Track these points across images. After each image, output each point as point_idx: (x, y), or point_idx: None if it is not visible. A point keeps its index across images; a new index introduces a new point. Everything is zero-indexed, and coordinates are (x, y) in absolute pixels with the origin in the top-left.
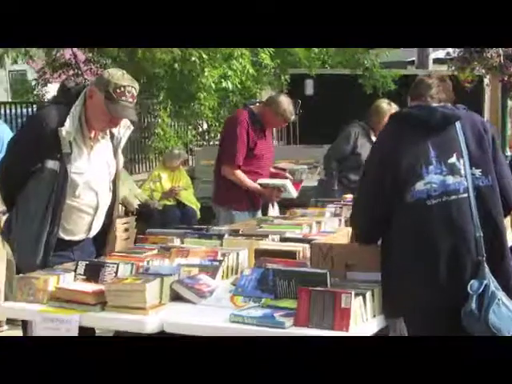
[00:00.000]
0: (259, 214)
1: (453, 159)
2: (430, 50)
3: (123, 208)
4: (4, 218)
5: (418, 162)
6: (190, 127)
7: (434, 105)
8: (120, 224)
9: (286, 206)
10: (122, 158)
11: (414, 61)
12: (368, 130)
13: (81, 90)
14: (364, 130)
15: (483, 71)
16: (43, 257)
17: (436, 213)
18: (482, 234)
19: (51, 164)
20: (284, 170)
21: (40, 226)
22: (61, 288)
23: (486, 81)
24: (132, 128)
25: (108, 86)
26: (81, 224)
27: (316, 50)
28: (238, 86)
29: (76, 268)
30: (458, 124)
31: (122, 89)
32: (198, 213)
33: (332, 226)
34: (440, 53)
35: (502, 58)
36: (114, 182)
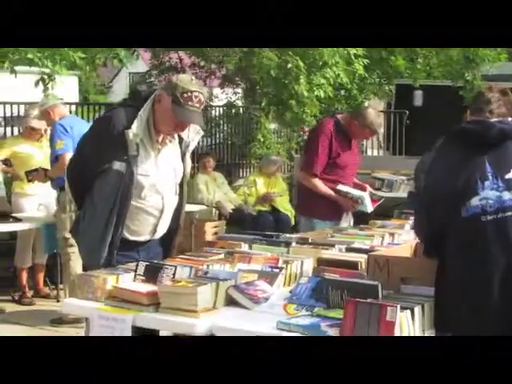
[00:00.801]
0: (343, 224)
1: (510, 175)
2: None
3: (217, 212)
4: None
5: (473, 178)
6: (295, 134)
7: (493, 119)
8: (210, 228)
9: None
10: (189, 163)
11: None
12: None
13: (150, 93)
14: None
15: None
16: (107, 256)
17: (491, 229)
18: None
19: (118, 165)
20: (382, 180)
21: (105, 227)
22: (117, 287)
23: None
24: (202, 133)
25: (175, 90)
26: (146, 225)
27: (421, 60)
28: (330, 94)
29: (136, 268)
30: None
31: (189, 94)
32: (293, 219)
33: (406, 239)
34: None
35: None
36: (182, 186)
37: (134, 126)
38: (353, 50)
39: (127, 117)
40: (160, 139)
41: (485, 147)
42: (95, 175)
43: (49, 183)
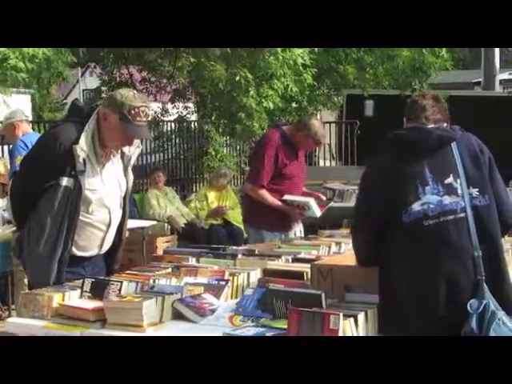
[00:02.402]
0: (291, 235)
1: (449, 179)
2: (497, 70)
3: (169, 227)
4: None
5: (413, 183)
6: (247, 147)
7: (430, 126)
8: (161, 243)
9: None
10: (131, 176)
11: (480, 82)
12: None
13: (93, 109)
14: None
15: None
16: (57, 274)
17: (433, 233)
18: (480, 254)
19: (65, 181)
20: (334, 190)
21: (54, 243)
22: (64, 305)
23: None
24: (141, 147)
25: (122, 108)
26: (93, 240)
27: (370, 70)
28: (280, 105)
29: (82, 285)
30: (453, 145)
31: (137, 110)
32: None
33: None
34: (506, 74)
35: None
36: (125, 199)
37: (82, 141)
38: (301, 60)
39: (73, 132)
40: (104, 154)
41: (423, 153)
42: (41, 193)
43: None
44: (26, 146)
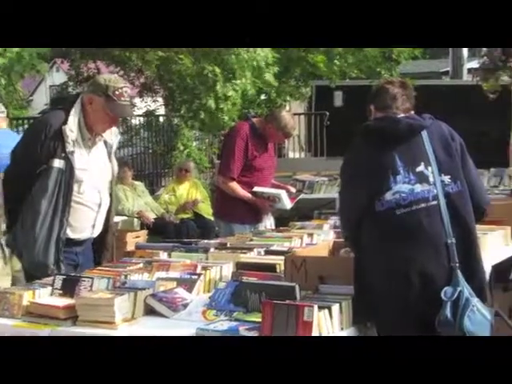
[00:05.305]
0: (261, 227)
1: (420, 168)
2: (465, 60)
3: (139, 222)
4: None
5: (385, 173)
6: (216, 140)
7: (400, 115)
8: (131, 238)
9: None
10: (115, 163)
11: (448, 71)
12: None
13: (76, 97)
14: None
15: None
16: (55, 256)
17: (406, 222)
18: (453, 241)
19: (57, 163)
20: (303, 181)
21: (50, 225)
22: (34, 303)
23: None
24: (119, 136)
25: (107, 90)
26: (86, 221)
27: (337, 61)
28: (238, 107)
29: (53, 283)
30: (424, 133)
31: (120, 90)
32: None
33: (325, 239)
34: (475, 63)
35: None
36: (111, 184)
37: (70, 122)
38: (263, 62)
39: (61, 116)
40: (92, 137)
41: (394, 142)
42: (33, 178)
43: None
44: None
